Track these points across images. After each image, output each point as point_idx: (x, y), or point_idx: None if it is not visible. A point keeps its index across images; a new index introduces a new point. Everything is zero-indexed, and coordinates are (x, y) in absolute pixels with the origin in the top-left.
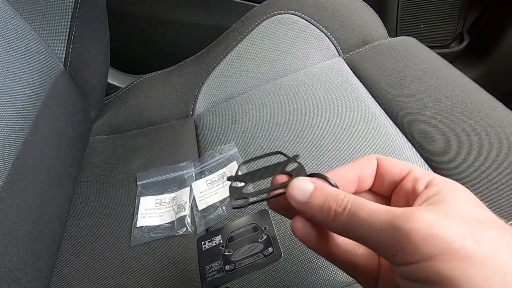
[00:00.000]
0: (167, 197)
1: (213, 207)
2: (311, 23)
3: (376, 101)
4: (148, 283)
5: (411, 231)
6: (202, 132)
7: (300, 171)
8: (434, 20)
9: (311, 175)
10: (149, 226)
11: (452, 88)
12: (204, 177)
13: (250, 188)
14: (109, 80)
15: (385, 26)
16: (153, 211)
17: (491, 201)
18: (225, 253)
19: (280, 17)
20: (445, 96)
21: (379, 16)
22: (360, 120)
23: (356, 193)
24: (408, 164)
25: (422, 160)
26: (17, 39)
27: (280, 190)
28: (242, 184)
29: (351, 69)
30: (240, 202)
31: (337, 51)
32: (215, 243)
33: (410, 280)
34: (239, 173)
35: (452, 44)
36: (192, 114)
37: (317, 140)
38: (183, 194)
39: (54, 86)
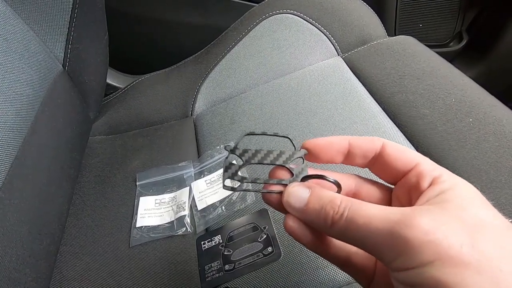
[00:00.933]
0: (166, 197)
1: (212, 206)
2: (310, 23)
3: (375, 100)
4: (147, 283)
5: (408, 237)
6: (201, 132)
7: (302, 171)
8: (433, 19)
9: (308, 177)
10: (149, 226)
11: (451, 87)
12: (203, 177)
13: (246, 174)
14: (108, 81)
15: (384, 25)
16: (153, 211)
17: (490, 200)
18: (225, 253)
19: (279, 17)
20: (444, 95)
21: (377, 15)
22: (359, 119)
23: (349, 163)
24: (416, 157)
25: None
26: (15, 40)
27: (277, 190)
28: (239, 161)
29: (350, 68)
30: (232, 184)
31: (336, 51)
32: (215, 242)
33: (406, 284)
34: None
35: (451, 43)
36: (191, 114)
37: None
38: (183, 194)
39: (53, 86)
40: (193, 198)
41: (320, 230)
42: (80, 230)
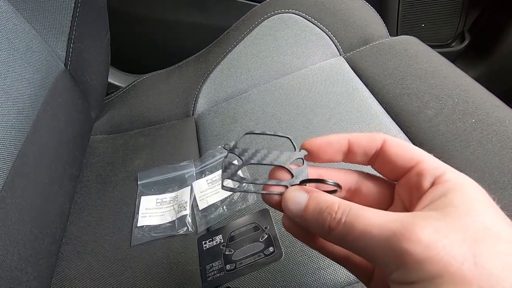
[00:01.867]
0: (167, 196)
1: (213, 206)
2: (311, 22)
3: (377, 100)
4: (148, 282)
5: (408, 252)
6: (203, 132)
7: (302, 172)
8: (435, 19)
9: (308, 181)
10: (150, 225)
11: (454, 87)
12: (204, 176)
13: (247, 173)
14: (109, 80)
15: (386, 25)
16: (154, 211)
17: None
18: (226, 253)
19: (281, 17)
20: (447, 95)
21: (380, 15)
22: (361, 120)
23: (350, 161)
24: (418, 154)
25: None
26: (17, 39)
27: (276, 191)
28: (238, 161)
29: (352, 68)
30: (232, 184)
31: (338, 50)
32: (216, 242)
33: None
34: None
35: (453, 44)
36: (193, 114)
37: None
38: (184, 194)
39: (54, 85)
40: (195, 198)
41: (319, 236)
42: (81, 229)
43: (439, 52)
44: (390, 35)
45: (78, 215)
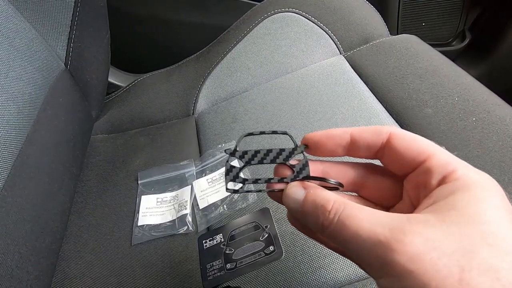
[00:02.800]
0: (168, 195)
1: (214, 205)
2: (312, 21)
3: (378, 99)
4: (149, 281)
5: (391, 263)
6: (203, 131)
7: (303, 167)
8: (436, 18)
9: (308, 178)
10: (150, 224)
11: (454, 86)
12: (205, 175)
13: (247, 173)
14: (110, 79)
15: (386, 24)
16: (154, 210)
17: None
18: (226, 252)
19: (281, 16)
20: (447, 94)
21: (380, 13)
22: (361, 118)
23: (353, 156)
24: (428, 148)
25: None
26: (17, 38)
27: (278, 188)
28: (240, 163)
29: (352, 67)
30: (235, 186)
31: (338, 49)
32: (216, 241)
33: None
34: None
35: (454, 42)
36: (193, 113)
37: None
38: (184, 193)
39: (55, 85)
40: (195, 197)
41: (316, 232)
42: (82, 229)
43: (440, 51)
44: (391, 34)
45: (78, 214)
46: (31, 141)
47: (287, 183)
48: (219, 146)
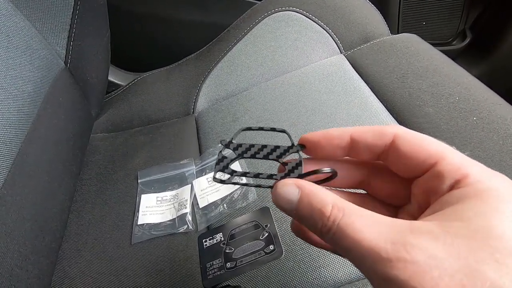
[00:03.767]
0: (168, 194)
1: (214, 204)
2: (312, 20)
3: (378, 98)
4: (149, 280)
5: (391, 279)
6: (203, 130)
7: (296, 167)
8: (436, 17)
9: (302, 175)
10: (150, 223)
11: (455, 85)
12: (205, 174)
13: (239, 166)
14: (110, 78)
15: (386, 23)
16: (154, 209)
17: None
18: (226, 251)
19: (281, 14)
20: (448, 93)
21: (380, 13)
22: (362, 117)
23: (355, 157)
24: (437, 151)
25: None
26: (17, 36)
27: (266, 184)
28: (232, 155)
29: (352, 66)
30: (223, 176)
31: (339, 48)
32: (216, 240)
33: None
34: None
35: (454, 42)
36: (193, 112)
37: None
38: (184, 192)
39: (54, 83)
40: (195, 196)
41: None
42: (81, 227)
43: (440, 50)
44: (391, 33)
45: (78, 213)
46: (31, 139)
47: (276, 180)
48: (219, 145)
